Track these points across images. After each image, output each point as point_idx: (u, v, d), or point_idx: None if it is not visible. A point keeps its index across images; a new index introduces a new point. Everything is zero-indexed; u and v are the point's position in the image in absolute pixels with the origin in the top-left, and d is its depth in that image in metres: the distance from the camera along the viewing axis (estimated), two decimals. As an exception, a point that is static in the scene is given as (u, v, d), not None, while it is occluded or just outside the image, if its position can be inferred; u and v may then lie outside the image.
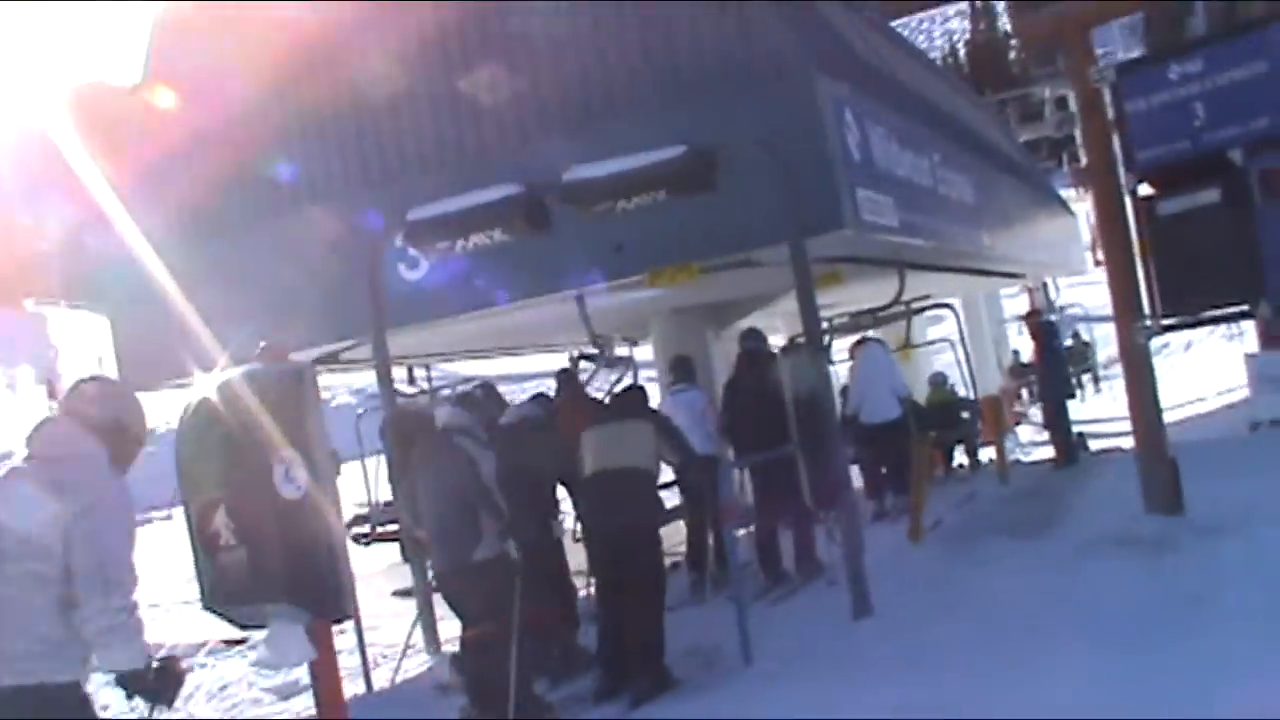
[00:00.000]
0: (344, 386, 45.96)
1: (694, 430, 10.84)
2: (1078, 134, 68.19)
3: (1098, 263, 48.87)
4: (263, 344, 3.80)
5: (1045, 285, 39.68)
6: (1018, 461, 18.42)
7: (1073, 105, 69.56)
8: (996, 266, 20.17)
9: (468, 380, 17.07)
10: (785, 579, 11.59)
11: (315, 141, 12.78)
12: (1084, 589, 8.74)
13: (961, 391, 20.80)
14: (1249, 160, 9.28)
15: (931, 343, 22.81)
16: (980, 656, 7.57)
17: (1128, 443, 19.45)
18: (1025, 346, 28.25)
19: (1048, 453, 19.44)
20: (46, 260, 75.38)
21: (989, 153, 21.35)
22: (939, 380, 22.11)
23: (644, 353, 18.20)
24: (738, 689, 8.09)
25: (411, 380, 16.53)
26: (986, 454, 19.80)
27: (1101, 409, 25.65)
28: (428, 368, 17.25)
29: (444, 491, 8.25)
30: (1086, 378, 37.07)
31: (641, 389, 11.18)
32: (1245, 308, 9.63)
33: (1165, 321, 9.83)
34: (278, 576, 3.40)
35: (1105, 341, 33.84)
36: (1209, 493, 10.06)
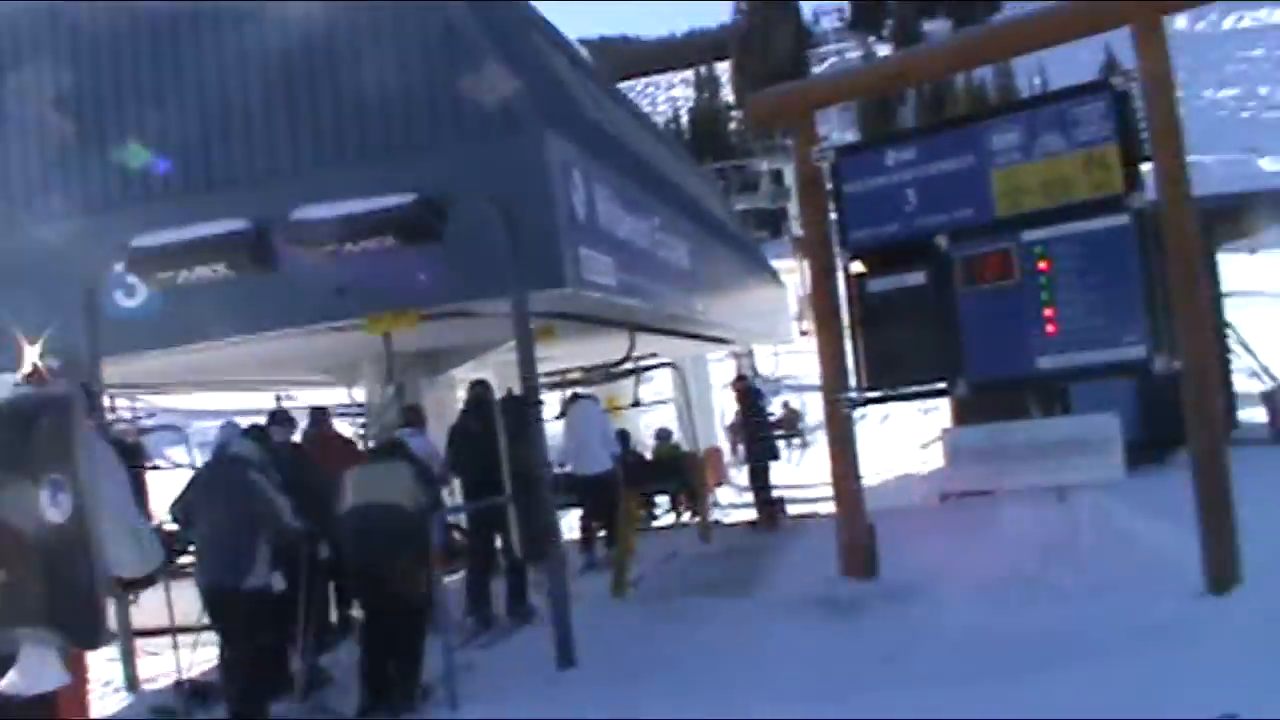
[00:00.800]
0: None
1: None
2: (792, 207, 70.61)
3: (803, 333, 50.61)
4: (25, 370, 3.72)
5: (751, 352, 40.82)
6: (718, 522, 18.78)
7: (788, 179, 72.07)
8: (708, 331, 20.65)
9: (167, 412, 16.64)
10: (494, 624, 11.66)
11: (37, 162, 12.39)
12: (782, 647, 9.04)
13: (685, 447, 21.34)
14: (953, 247, 9.79)
15: (662, 402, 23.29)
16: (680, 710, 7.73)
17: (827, 508, 20.25)
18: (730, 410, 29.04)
19: (750, 514, 19.93)
20: None
21: (706, 220, 21.85)
22: (664, 435, 23.40)
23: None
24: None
25: (112, 409, 16.02)
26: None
27: (805, 475, 26.35)
28: (131, 399, 16.76)
29: (228, 519, 8.67)
30: (796, 443, 38.26)
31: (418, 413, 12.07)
32: (944, 385, 10.09)
33: (869, 394, 10.24)
34: (38, 600, 3.28)
35: (815, 409, 34.87)
36: (901, 558, 10.52)
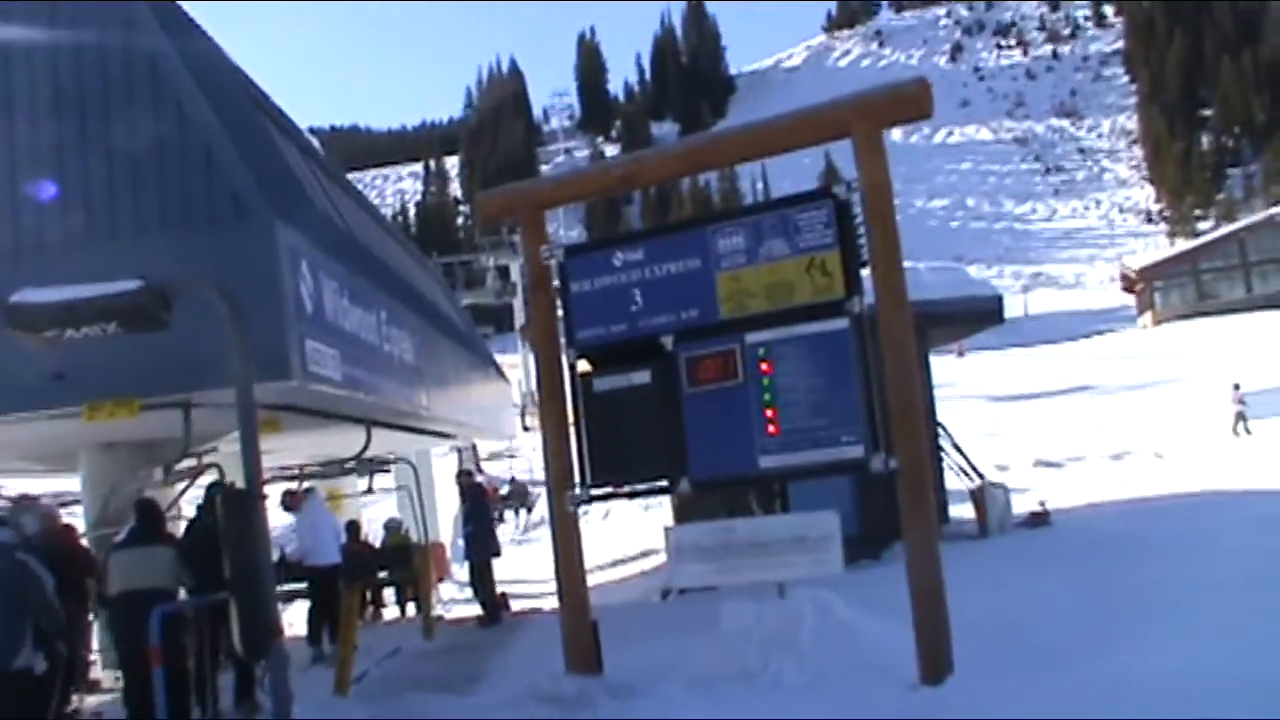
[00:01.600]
0: None
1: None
2: (518, 303, 71.07)
3: (526, 428, 50.77)
4: None
5: (474, 447, 40.96)
6: (441, 618, 18.66)
7: (514, 275, 72.54)
8: (432, 426, 20.63)
9: None
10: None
11: None
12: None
13: (414, 537, 21.32)
14: (678, 347, 9.99)
15: (387, 491, 23.36)
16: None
17: (549, 603, 20.32)
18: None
19: (472, 610, 19.88)
20: None
21: (432, 314, 21.89)
22: (394, 525, 23.48)
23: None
24: None
25: None
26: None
27: (525, 569, 26.41)
28: None
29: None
30: (524, 514, 39.70)
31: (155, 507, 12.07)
32: (667, 483, 10.25)
33: (595, 491, 10.34)
34: None
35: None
36: (625, 654, 10.63)
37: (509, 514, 42.13)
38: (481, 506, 19.97)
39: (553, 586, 22.86)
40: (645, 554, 27.57)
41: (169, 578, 10.46)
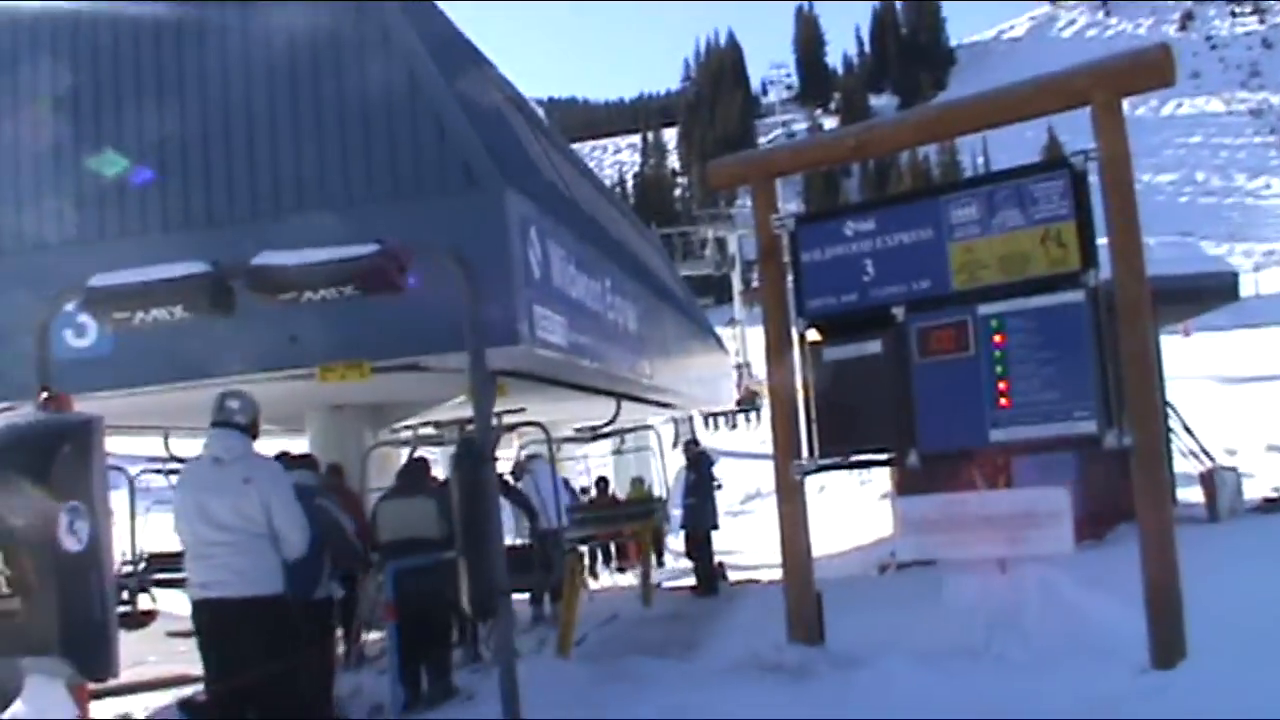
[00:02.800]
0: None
1: None
2: (734, 277, 70.98)
3: (738, 402, 50.71)
4: (44, 393, 3.62)
5: (690, 418, 41.06)
6: (659, 586, 18.72)
7: (731, 247, 72.45)
8: (653, 396, 20.71)
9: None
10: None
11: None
12: (732, 710, 8.99)
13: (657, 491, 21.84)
14: (910, 317, 9.86)
15: (640, 449, 24.37)
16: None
17: (764, 575, 20.29)
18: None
19: (687, 580, 19.96)
20: None
21: (653, 283, 21.98)
22: (639, 481, 26.43)
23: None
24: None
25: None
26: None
27: (734, 542, 26.42)
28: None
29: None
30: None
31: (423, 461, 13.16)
32: (892, 454, 10.13)
33: (822, 461, 10.27)
34: (51, 630, 3.17)
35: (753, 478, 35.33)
36: (847, 626, 10.53)
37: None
38: (707, 478, 20.01)
39: (767, 560, 23.02)
40: (859, 530, 27.47)
41: (434, 528, 10.94)
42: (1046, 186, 9.43)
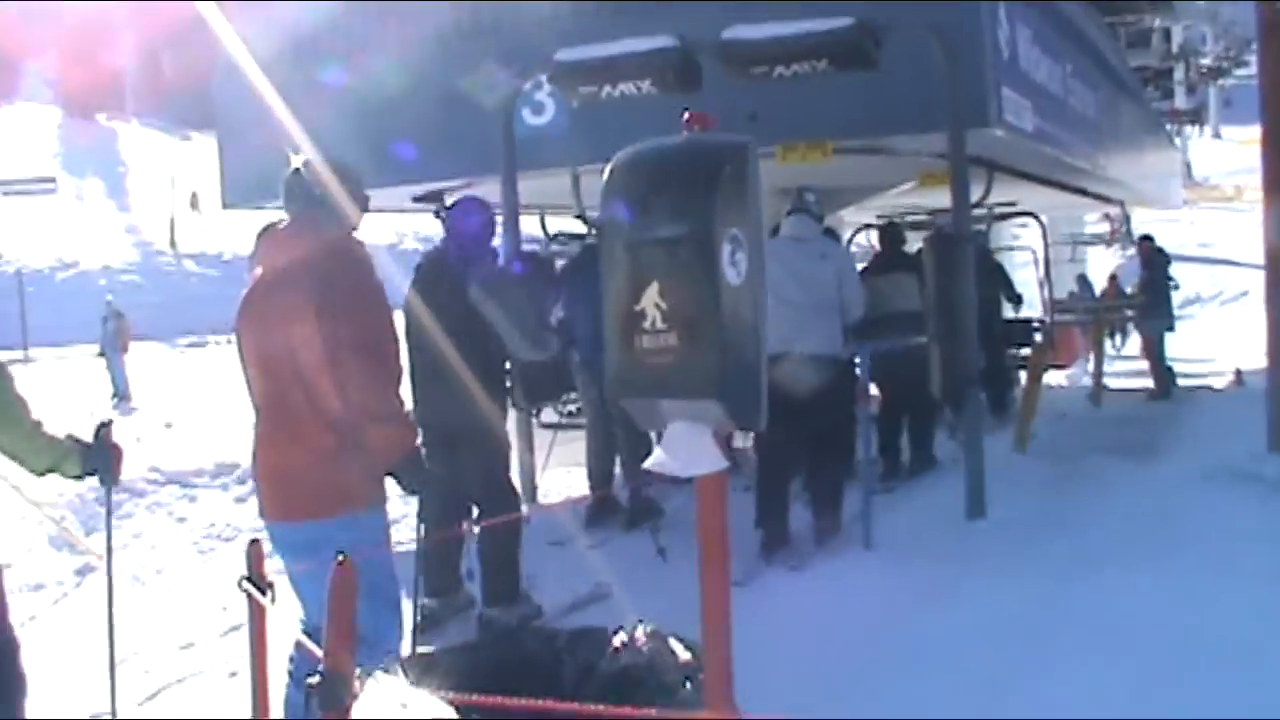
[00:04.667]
0: (411, 232, 45.68)
1: None
2: (1178, 69, 67.29)
3: (1185, 201, 48.24)
4: (686, 113, 3.50)
5: (1127, 216, 39.31)
6: (1106, 387, 17.96)
7: (1176, 40, 68.51)
8: (1104, 189, 19.80)
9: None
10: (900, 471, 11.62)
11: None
12: (1205, 518, 8.53)
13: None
14: None
15: (1011, 248, 22.58)
16: (1102, 569, 7.36)
17: (1217, 382, 19.36)
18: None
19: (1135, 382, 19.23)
20: (120, 77, 75.51)
21: (1110, 71, 20.84)
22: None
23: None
24: (859, 570, 7.95)
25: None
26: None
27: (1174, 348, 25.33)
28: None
29: None
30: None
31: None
32: None
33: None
34: (711, 371, 3.07)
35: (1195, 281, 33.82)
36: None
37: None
38: (1161, 276, 19.05)
39: (1214, 367, 21.97)
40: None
41: (914, 301, 10.71)
42: None
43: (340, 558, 2.69)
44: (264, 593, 3.91)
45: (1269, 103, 9.83)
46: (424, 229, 37.14)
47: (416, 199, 13.17)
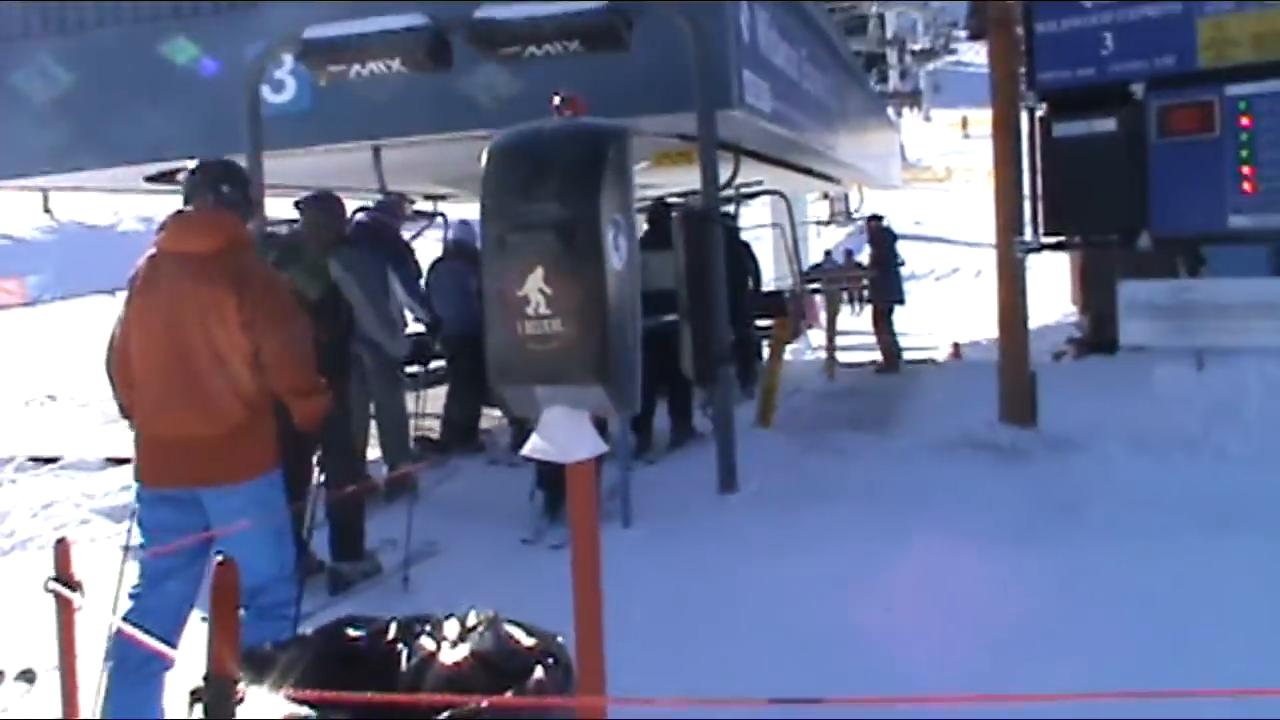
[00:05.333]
0: (132, 215, 44.06)
1: None
2: (890, 54, 69.44)
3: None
4: (558, 97, 3.44)
5: (846, 195, 40.51)
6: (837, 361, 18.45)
7: (890, 28, 70.67)
8: (836, 170, 20.31)
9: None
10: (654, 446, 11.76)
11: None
12: (951, 485, 8.92)
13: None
14: (1149, 95, 9.44)
15: (764, 225, 23.03)
16: (851, 540, 7.59)
17: (938, 355, 20.08)
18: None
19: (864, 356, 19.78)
20: None
21: (836, 56, 21.36)
22: None
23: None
24: (619, 550, 8.03)
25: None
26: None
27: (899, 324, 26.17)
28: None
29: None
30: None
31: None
32: (1117, 237, 9.83)
33: (1045, 240, 10.00)
34: (596, 357, 3.03)
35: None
36: (1058, 409, 10.36)
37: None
38: (890, 252, 19.62)
39: (937, 341, 22.76)
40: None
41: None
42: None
43: (220, 558, 2.61)
44: (75, 590, 3.79)
45: (999, 90, 10.28)
46: (145, 209, 35.91)
47: (149, 179, 12.75)
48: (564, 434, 3.21)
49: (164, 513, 5.36)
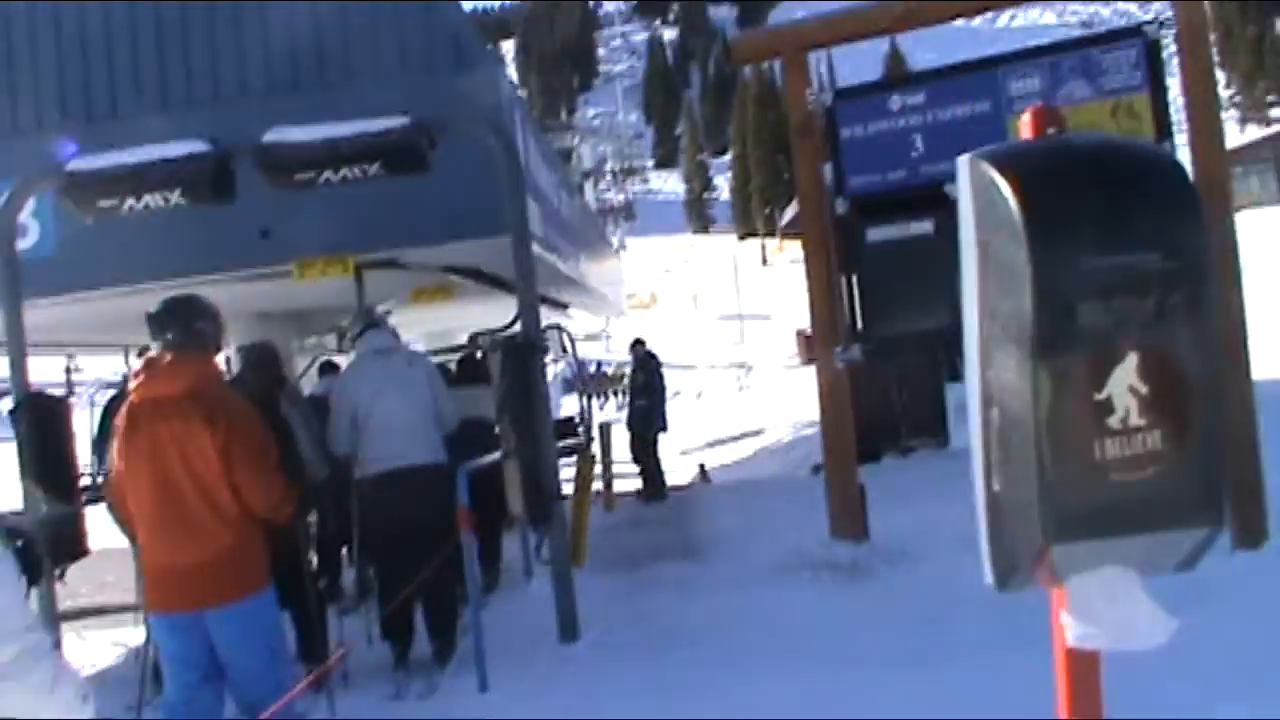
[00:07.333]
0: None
1: None
2: (589, 189, 70.41)
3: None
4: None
5: (559, 326, 40.65)
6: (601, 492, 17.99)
7: (584, 161, 72.01)
8: (585, 299, 20.05)
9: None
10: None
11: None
12: (800, 613, 8.49)
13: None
14: (965, 196, 9.33)
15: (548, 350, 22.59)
16: (736, 683, 7.06)
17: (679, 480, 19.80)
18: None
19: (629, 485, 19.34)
20: None
21: (568, 183, 21.25)
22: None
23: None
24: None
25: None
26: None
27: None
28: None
29: None
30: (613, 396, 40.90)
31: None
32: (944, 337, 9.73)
33: (866, 347, 9.76)
34: (1201, 483, 2.04)
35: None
36: (879, 520, 10.04)
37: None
38: (657, 378, 19.26)
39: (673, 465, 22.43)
40: (746, 435, 27.03)
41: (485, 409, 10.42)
42: (1117, 56, 8.97)
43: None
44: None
45: (806, 198, 10.06)
46: None
47: None
48: (1117, 609, 2.22)
49: (177, 644, 5.83)
